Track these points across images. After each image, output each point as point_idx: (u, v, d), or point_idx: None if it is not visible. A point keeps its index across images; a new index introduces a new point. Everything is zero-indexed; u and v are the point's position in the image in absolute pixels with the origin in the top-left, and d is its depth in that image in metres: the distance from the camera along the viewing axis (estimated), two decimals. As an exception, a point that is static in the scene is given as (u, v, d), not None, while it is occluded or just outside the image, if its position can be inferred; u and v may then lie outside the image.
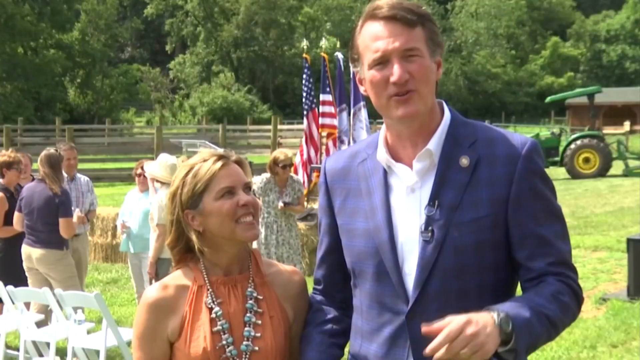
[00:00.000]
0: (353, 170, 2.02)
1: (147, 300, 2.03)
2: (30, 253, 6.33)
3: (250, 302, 2.03)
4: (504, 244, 1.89)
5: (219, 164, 2.02)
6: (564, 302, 1.83)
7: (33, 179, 6.89)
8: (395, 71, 1.84)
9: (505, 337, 1.67)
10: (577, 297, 1.89)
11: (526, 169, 1.88)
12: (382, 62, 1.87)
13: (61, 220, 6.27)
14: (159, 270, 6.33)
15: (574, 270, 1.92)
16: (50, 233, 6.28)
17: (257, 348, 1.99)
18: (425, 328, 1.69)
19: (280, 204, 7.79)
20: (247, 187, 2.05)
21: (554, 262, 1.88)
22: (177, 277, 2.07)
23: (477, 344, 1.62)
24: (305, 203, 10.28)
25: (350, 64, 2.00)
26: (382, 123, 1.95)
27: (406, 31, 1.86)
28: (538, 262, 1.87)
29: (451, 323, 1.64)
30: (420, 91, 1.86)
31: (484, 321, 1.65)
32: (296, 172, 11.03)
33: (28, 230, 6.35)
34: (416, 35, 1.87)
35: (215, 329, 1.98)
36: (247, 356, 1.99)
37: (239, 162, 2.07)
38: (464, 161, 1.89)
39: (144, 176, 7.18)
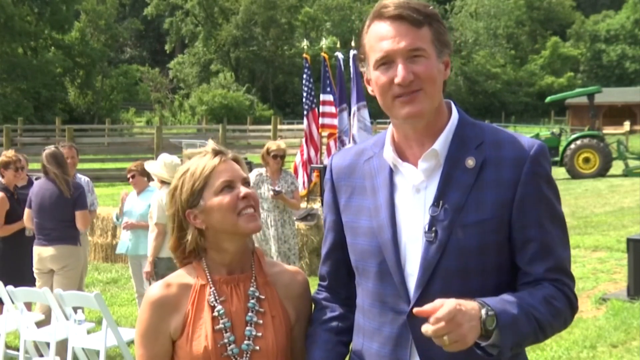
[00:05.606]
0: (359, 167, 2.02)
1: (150, 298, 2.04)
2: (41, 253, 6.28)
3: (252, 301, 2.03)
4: (508, 247, 1.88)
5: (217, 159, 2.03)
6: (556, 307, 1.84)
7: (29, 180, 6.87)
8: (399, 72, 1.83)
9: (486, 333, 1.70)
10: (571, 305, 1.90)
11: (532, 172, 1.87)
12: (387, 62, 1.86)
13: (77, 213, 6.25)
14: (157, 269, 6.33)
15: (571, 277, 1.92)
16: (64, 230, 6.25)
17: (258, 347, 2.00)
18: (417, 310, 1.71)
19: (270, 193, 7.71)
20: (246, 182, 2.06)
21: (552, 268, 1.88)
22: (180, 275, 2.08)
23: (459, 334, 1.66)
24: (305, 203, 10.27)
25: (358, 64, 2.00)
26: (382, 123, 1.97)
27: (412, 31, 1.85)
28: (536, 266, 1.87)
29: (442, 307, 1.67)
30: (427, 90, 1.85)
31: (470, 315, 1.68)
32: (296, 172, 11.03)
33: (38, 230, 6.31)
34: (422, 36, 1.85)
35: (217, 327, 1.99)
36: (248, 355, 1.99)
37: (235, 160, 2.08)
38: (470, 162, 1.88)
39: (137, 176, 7.20)
